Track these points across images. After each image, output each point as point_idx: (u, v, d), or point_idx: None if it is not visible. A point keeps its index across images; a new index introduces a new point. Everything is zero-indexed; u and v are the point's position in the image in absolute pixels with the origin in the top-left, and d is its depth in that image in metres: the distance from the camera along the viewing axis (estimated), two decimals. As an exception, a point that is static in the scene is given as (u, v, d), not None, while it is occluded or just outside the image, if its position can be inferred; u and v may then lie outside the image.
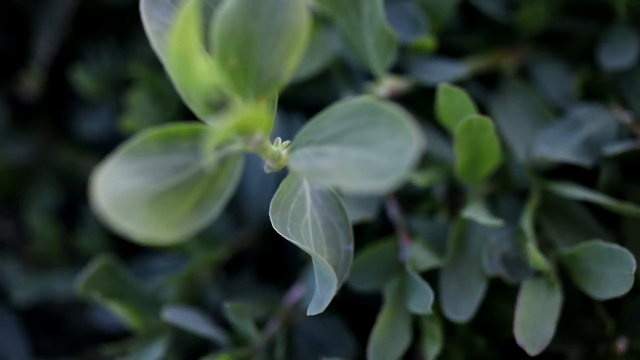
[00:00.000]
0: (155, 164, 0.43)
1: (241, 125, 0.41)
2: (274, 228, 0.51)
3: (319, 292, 0.51)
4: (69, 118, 0.92)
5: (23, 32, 0.91)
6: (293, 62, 0.43)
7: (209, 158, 0.39)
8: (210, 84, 0.40)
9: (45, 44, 0.88)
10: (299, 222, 0.52)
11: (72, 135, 0.91)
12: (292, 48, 0.43)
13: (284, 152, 0.46)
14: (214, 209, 0.44)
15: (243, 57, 0.43)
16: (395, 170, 0.40)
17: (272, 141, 0.48)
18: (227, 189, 0.44)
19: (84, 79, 0.85)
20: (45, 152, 0.90)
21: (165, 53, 0.45)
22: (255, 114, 0.40)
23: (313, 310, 0.51)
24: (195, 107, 0.44)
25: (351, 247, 0.55)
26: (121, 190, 0.41)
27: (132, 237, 0.41)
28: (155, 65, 0.79)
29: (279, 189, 0.53)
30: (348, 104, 0.43)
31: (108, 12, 0.91)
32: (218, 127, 0.38)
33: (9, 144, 0.89)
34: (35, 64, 0.88)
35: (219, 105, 0.42)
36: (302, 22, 0.42)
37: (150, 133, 0.43)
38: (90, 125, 0.89)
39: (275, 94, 0.45)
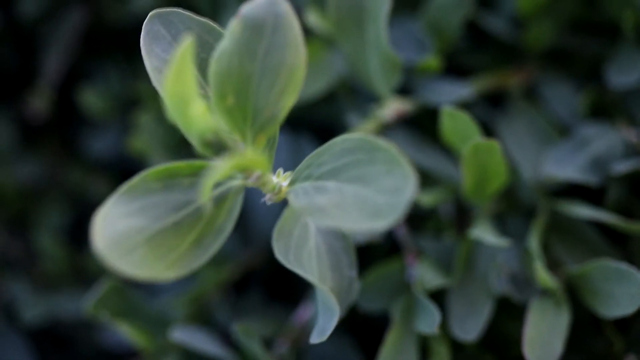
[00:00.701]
0: (154, 202, 0.43)
1: (239, 166, 0.41)
2: (277, 256, 0.51)
3: (321, 321, 0.51)
4: (77, 138, 0.92)
5: (29, 52, 0.92)
6: (290, 100, 0.43)
7: (206, 197, 0.39)
8: (207, 126, 0.40)
9: (54, 64, 0.88)
10: (302, 249, 0.52)
11: (80, 155, 0.92)
12: (289, 87, 0.43)
13: (284, 185, 0.46)
14: (214, 247, 0.44)
15: (240, 96, 0.43)
16: (392, 210, 0.40)
17: (276, 169, 0.48)
18: (227, 226, 0.44)
19: (91, 98, 0.85)
20: (53, 172, 0.90)
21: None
22: (253, 156, 0.40)
23: (316, 338, 0.51)
24: (194, 145, 0.44)
25: (354, 272, 0.55)
26: (119, 231, 0.41)
27: (130, 277, 0.41)
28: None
29: (282, 217, 0.53)
30: (346, 139, 0.43)
31: (114, 32, 0.91)
32: (216, 169, 0.38)
33: (17, 164, 0.89)
34: (43, 84, 0.89)
35: (216, 146, 0.42)
36: (298, 61, 0.42)
37: (151, 170, 0.43)
38: (98, 144, 0.89)
39: (274, 131, 0.45)
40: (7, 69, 0.93)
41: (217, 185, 0.44)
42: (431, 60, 0.67)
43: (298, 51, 0.42)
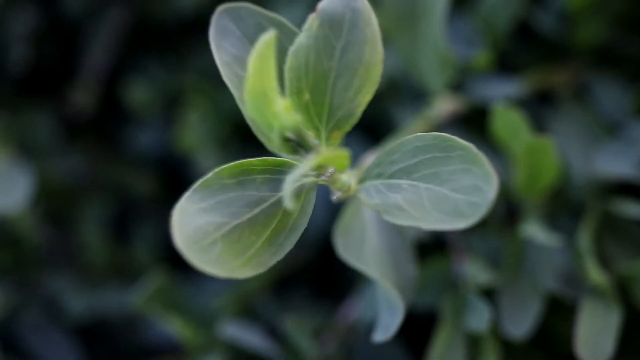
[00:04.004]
0: (229, 198, 0.43)
1: (321, 164, 0.41)
2: (339, 254, 0.51)
3: (385, 319, 0.51)
4: (119, 133, 0.92)
5: (72, 48, 0.92)
6: (366, 98, 0.43)
7: (290, 196, 0.39)
8: (288, 123, 0.40)
9: (99, 60, 0.88)
10: (362, 246, 0.52)
11: (122, 150, 0.92)
12: (365, 84, 0.43)
13: (353, 183, 0.46)
14: (290, 243, 0.44)
15: (316, 92, 0.43)
16: (473, 209, 0.40)
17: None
18: (302, 222, 0.44)
19: (137, 93, 0.85)
20: (95, 167, 0.90)
21: (235, 85, 0.45)
22: (335, 155, 0.40)
23: (380, 336, 0.51)
24: (268, 142, 0.44)
25: (413, 270, 0.55)
26: (197, 227, 0.41)
27: (209, 274, 0.41)
28: (210, 82, 0.79)
29: (342, 214, 0.53)
30: (420, 137, 0.43)
31: (157, 29, 0.91)
32: (299, 170, 0.38)
33: (59, 159, 0.89)
34: (88, 80, 0.89)
35: (295, 142, 0.42)
36: (376, 58, 0.42)
37: (225, 166, 0.43)
38: (141, 140, 0.89)
39: (348, 129, 0.44)
40: (50, 65, 0.93)
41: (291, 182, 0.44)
42: (482, 57, 0.67)
43: (376, 48, 0.42)
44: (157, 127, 0.88)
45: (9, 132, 0.83)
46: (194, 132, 0.76)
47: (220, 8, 0.47)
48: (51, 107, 0.91)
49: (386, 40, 0.67)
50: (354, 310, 0.68)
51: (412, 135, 0.44)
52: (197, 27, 0.86)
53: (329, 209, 0.73)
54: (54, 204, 0.88)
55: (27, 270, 0.84)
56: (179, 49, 0.90)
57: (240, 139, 0.79)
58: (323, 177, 0.44)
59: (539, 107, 0.71)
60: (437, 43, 0.63)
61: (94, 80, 0.89)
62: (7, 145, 0.78)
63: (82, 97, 0.89)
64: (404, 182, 0.43)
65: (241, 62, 0.46)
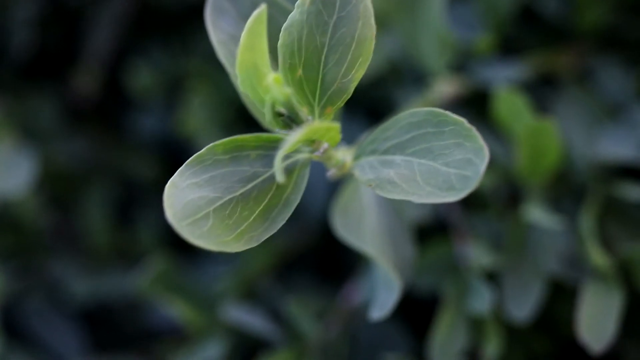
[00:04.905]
0: (222, 173, 0.43)
1: (312, 135, 0.41)
2: (337, 233, 0.51)
3: (382, 296, 0.51)
4: (121, 118, 0.92)
5: (75, 33, 0.92)
6: (359, 73, 0.43)
7: (279, 168, 0.39)
8: (279, 97, 0.40)
9: (104, 45, 0.88)
10: (360, 226, 0.52)
11: (124, 135, 0.92)
12: (358, 60, 0.42)
13: (348, 160, 0.46)
14: (282, 218, 0.44)
15: (309, 68, 0.42)
16: (464, 182, 0.40)
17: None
18: (295, 198, 0.44)
19: (141, 78, 0.85)
20: (98, 152, 0.91)
21: (231, 63, 0.45)
22: (326, 127, 0.40)
23: (376, 313, 0.51)
24: (262, 118, 0.44)
25: (412, 250, 0.55)
26: (188, 201, 0.41)
27: (200, 247, 0.41)
28: (213, 67, 0.79)
29: (340, 194, 0.53)
30: (413, 113, 0.43)
31: (159, 13, 0.91)
32: (289, 140, 0.38)
33: (63, 144, 0.89)
34: (93, 64, 0.89)
35: (287, 117, 0.42)
36: (369, 34, 0.42)
37: (218, 142, 0.43)
38: (143, 124, 0.89)
39: (341, 104, 0.44)
40: (53, 49, 0.93)
41: (285, 158, 0.44)
42: (484, 40, 0.67)
43: (368, 23, 0.42)
44: (160, 112, 0.89)
45: (13, 117, 0.83)
46: (197, 116, 0.77)
47: (216, -12, 0.47)
48: (54, 92, 0.91)
49: (387, 23, 0.67)
50: (357, 293, 0.68)
51: (406, 112, 0.44)
52: (201, 11, 0.86)
53: (331, 193, 0.73)
54: (57, 188, 0.88)
55: (31, 255, 0.84)
56: (182, 34, 0.90)
57: (243, 123, 0.79)
58: (317, 153, 0.44)
59: (541, 91, 0.71)
60: (437, 24, 0.63)
61: (97, 64, 0.89)
62: (10, 130, 0.79)
63: (86, 81, 0.89)
64: (397, 158, 0.43)
65: (237, 40, 0.45)
